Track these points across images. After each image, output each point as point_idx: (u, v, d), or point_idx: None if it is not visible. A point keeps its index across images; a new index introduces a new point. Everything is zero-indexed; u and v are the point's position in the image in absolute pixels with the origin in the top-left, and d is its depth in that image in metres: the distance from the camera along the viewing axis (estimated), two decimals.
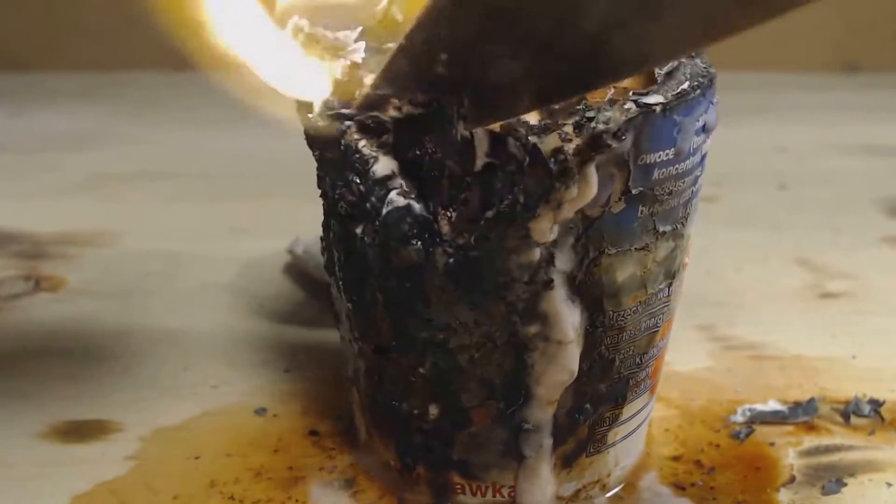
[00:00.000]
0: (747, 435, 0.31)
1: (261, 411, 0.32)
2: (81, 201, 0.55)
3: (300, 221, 0.48)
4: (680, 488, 0.28)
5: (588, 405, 0.26)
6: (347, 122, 0.24)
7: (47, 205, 0.54)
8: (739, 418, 0.32)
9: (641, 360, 0.27)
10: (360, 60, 0.25)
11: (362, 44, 0.25)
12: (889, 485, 0.29)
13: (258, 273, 0.44)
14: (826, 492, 0.28)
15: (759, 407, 0.32)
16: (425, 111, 0.23)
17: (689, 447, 0.30)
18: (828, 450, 0.30)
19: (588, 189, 0.22)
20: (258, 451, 0.30)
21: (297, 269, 0.43)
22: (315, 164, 0.26)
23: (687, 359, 0.36)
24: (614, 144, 0.22)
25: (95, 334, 0.38)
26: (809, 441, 0.31)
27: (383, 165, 0.23)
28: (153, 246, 0.47)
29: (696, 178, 0.25)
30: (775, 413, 0.32)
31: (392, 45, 0.28)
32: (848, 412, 0.32)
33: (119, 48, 0.89)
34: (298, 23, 0.26)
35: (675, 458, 0.30)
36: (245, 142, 0.68)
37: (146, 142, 0.68)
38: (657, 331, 0.27)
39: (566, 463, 0.27)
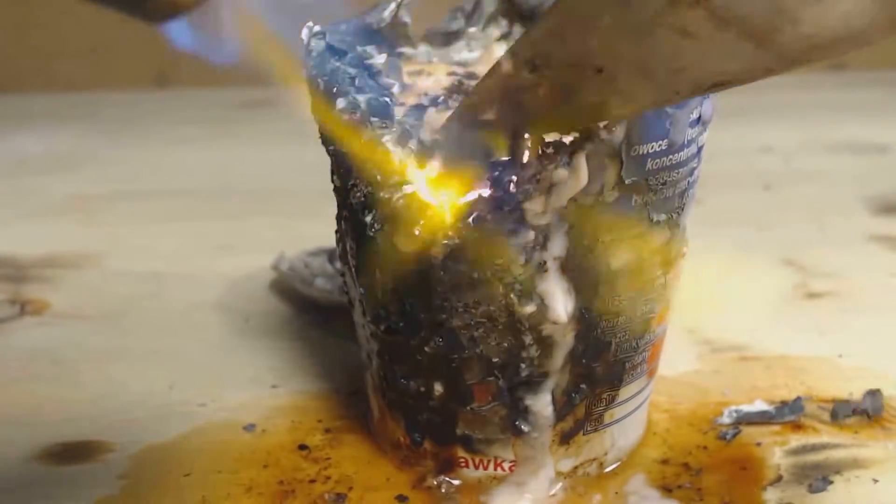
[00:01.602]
0: (734, 436, 0.32)
1: (249, 427, 0.33)
2: (62, 223, 0.55)
3: (284, 238, 0.49)
4: (667, 490, 0.29)
5: (584, 385, 0.28)
6: (375, 120, 0.25)
7: (28, 228, 0.55)
8: (726, 420, 0.33)
9: (638, 345, 0.28)
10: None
11: (384, 56, 0.28)
12: (875, 481, 0.30)
13: (243, 290, 0.45)
14: (813, 490, 0.29)
15: (746, 408, 0.33)
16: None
17: (677, 450, 0.31)
18: (814, 448, 0.31)
19: (578, 177, 0.24)
20: (248, 467, 0.31)
21: (282, 286, 0.44)
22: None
23: (674, 362, 0.36)
24: (604, 135, 0.24)
25: (82, 356, 0.39)
26: (796, 440, 0.32)
27: (403, 160, 0.25)
28: (136, 266, 0.48)
29: (693, 169, 0.27)
30: (762, 413, 0.33)
31: (406, 51, 0.30)
32: (835, 411, 0.33)
33: (94, 67, 0.90)
34: (314, 28, 0.28)
35: (664, 462, 0.31)
36: (227, 158, 0.68)
37: (125, 161, 0.68)
38: (653, 316, 0.28)
39: (564, 440, 0.29)
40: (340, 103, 0.26)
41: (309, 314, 0.42)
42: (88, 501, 0.29)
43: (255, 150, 0.71)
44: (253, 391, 0.36)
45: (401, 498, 0.29)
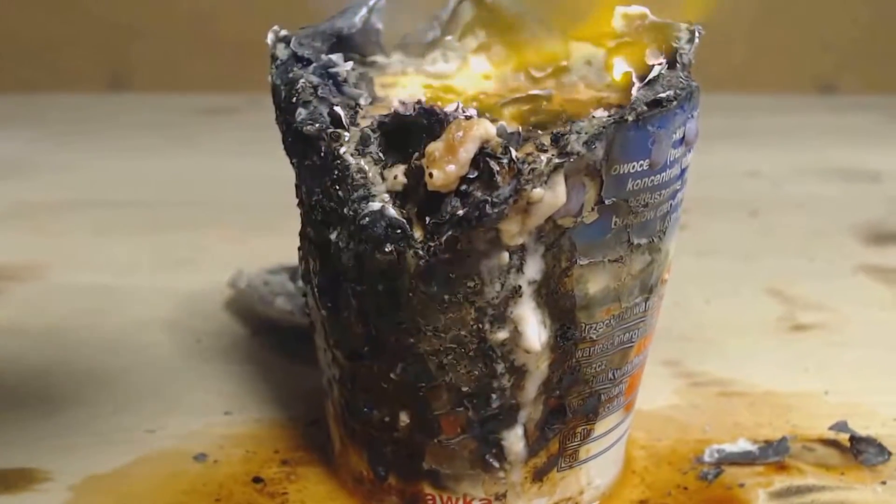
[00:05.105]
0: (716, 476, 0.32)
1: (200, 457, 0.33)
2: (6, 232, 0.55)
3: (243, 253, 0.49)
4: None
5: (558, 418, 0.27)
6: (331, 130, 0.25)
7: None
8: (707, 459, 0.33)
9: (615, 376, 0.28)
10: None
11: (350, 63, 0.28)
12: None
13: (197, 308, 0.44)
14: None
15: (728, 447, 0.33)
16: (411, 119, 0.25)
17: (656, 490, 0.31)
18: (799, 490, 0.31)
19: (556, 196, 0.24)
20: (199, 500, 0.30)
21: (239, 305, 0.44)
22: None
23: (653, 396, 0.36)
24: (582, 151, 0.24)
25: (21, 375, 0.38)
26: (780, 482, 0.32)
27: (363, 172, 0.25)
28: (83, 279, 0.48)
29: (675, 191, 0.27)
30: (745, 454, 0.33)
31: (378, 59, 0.30)
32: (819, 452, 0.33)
33: (43, 67, 0.89)
34: (280, 33, 0.28)
35: (642, 502, 0.31)
36: (183, 168, 0.68)
37: (75, 168, 0.68)
38: (632, 346, 0.28)
39: (537, 477, 0.28)
40: (301, 113, 0.26)
41: (267, 336, 0.42)
42: None
43: (215, 160, 0.71)
44: (204, 418, 0.35)
45: None
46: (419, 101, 0.25)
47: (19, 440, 0.33)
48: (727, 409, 0.36)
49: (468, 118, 0.24)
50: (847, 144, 0.73)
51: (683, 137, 0.26)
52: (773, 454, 0.33)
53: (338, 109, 0.26)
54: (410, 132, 0.25)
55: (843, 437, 0.33)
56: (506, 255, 0.24)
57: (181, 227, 0.56)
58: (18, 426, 0.34)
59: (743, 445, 0.33)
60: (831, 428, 0.34)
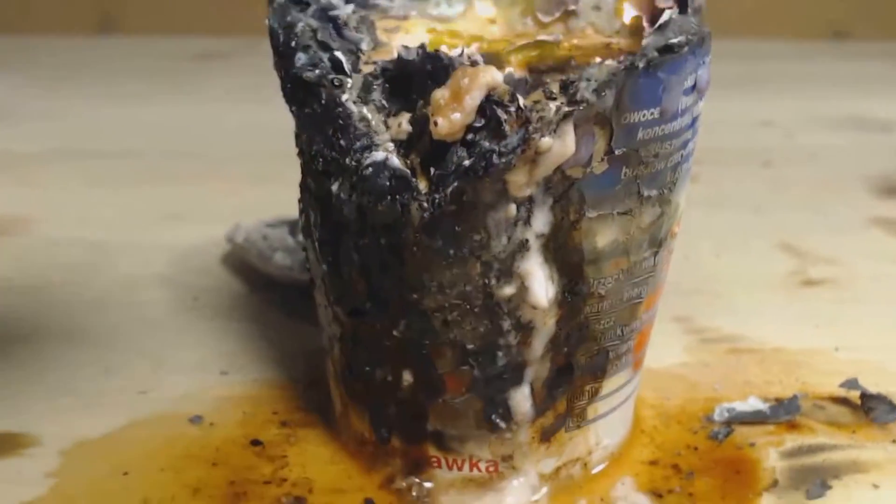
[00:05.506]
0: (726, 435, 0.32)
1: (196, 419, 0.32)
2: None
3: (241, 206, 0.49)
4: (657, 496, 0.29)
5: (566, 376, 0.27)
6: (332, 76, 0.25)
7: None
8: (717, 418, 0.32)
9: (623, 332, 0.28)
10: None
11: (350, 6, 0.28)
12: (876, 486, 0.30)
13: (192, 263, 0.44)
14: (811, 495, 0.29)
15: (739, 406, 0.33)
16: (415, 65, 0.25)
17: (666, 450, 0.31)
18: (811, 450, 0.31)
19: (565, 146, 0.23)
20: (195, 465, 0.30)
21: (236, 260, 0.43)
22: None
23: (662, 353, 0.36)
24: (592, 99, 0.23)
25: (7, 335, 0.38)
26: (791, 441, 0.32)
27: (366, 120, 0.25)
28: (73, 234, 0.47)
29: (686, 141, 0.26)
30: (756, 413, 0.33)
31: (379, 2, 0.30)
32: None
33: (29, 9, 0.88)
34: None
35: (652, 463, 0.31)
36: (177, 116, 0.68)
37: (62, 116, 0.67)
38: (641, 301, 0.28)
39: (544, 437, 0.28)
40: (301, 59, 0.26)
41: (265, 293, 0.41)
42: (12, 503, 0.28)
43: (210, 107, 0.70)
44: (200, 378, 0.35)
45: (367, 502, 0.29)
46: (423, 46, 0.25)
47: (5, 403, 0.33)
48: (737, 367, 0.36)
49: (474, 64, 0.24)
50: (859, 93, 0.73)
51: (695, 85, 0.26)
52: (784, 413, 0.33)
53: (339, 55, 0.25)
54: (414, 79, 0.25)
55: (854, 395, 0.33)
56: (513, 208, 0.24)
57: (175, 178, 0.56)
58: (4, 388, 0.34)
59: (753, 404, 0.33)
60: (842, 385, 0.34)
